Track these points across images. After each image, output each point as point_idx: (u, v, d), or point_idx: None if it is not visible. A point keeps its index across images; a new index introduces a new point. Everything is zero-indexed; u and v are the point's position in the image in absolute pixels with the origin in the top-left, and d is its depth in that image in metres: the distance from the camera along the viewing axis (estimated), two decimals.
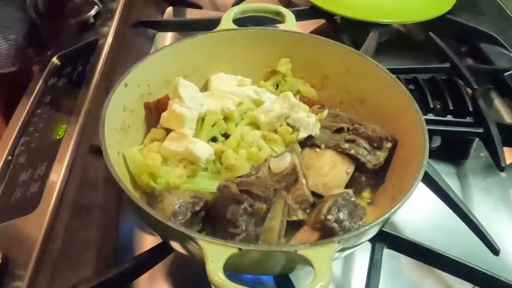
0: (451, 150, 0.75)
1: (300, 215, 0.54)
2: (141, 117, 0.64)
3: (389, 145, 0.60)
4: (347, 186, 0.59)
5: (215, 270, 0.40)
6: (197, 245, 0.42)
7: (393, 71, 0.64)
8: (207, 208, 0.52)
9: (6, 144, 0.66)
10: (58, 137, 0.63)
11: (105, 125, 0.53)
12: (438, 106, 0.74)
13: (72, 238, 0.56)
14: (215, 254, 0.41)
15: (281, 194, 0.52)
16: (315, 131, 0.62)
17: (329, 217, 0.51)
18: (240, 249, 0.42)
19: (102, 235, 0.61)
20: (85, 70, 0.74)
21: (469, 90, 0.77)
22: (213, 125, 0.61)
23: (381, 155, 0.60)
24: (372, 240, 0.58)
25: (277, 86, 0.72)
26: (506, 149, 0.70)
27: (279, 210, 0.51)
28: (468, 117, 0.73)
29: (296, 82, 0.72)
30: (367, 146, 0.60)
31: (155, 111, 0.64)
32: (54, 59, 0.80)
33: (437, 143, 0.74)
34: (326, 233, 0.51)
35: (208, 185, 0.57)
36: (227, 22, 0.71)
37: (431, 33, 0.90)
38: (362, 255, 0.60)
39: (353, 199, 0.54)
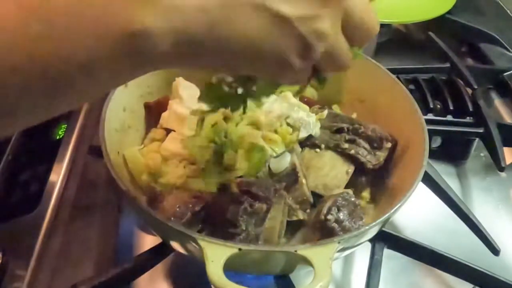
0: (451, 150, 0.75)
1: (300, 215, 0.54)
2: (141, 117, 0.64)
3: (389, 145, 0.60)
4: (347, 186, 0.59)
5: (215, 270, 0.40)
6: (197, 245, 0.42)
7: (393, 71, 0.64)
8: (207, 208, 0.52)
9: (6, 144, 0.66)
10: (58, 137, 0.63)
11: (105, 125, 0.53)
12: (438, 106, 0.74)
13: (72, 238, 0.56)
14: (215, 254, 0.41)
15: (281, 194, 0.52)
16: (315, 131, 0.62)
17: (329, 217, 0.51)
18: (240, 249, 0.42)
19: (102, 235, 0.61)
20: None
21: (469, 90, 0.77)
22: (213, 125, 0.61)
23: (381, 155, 0.60)
24: (372, 240, 0.58)
25: None
26: (506, 149, 0.70)
27: (279, 210, 0.51)
28: (468, 117, 0.73)
29: None
30: (367, 146, 0.60)
31: (155, 111, 0.64)
32: None
33: (437, 143, 0.74)
34: (326, 233, 0.51)
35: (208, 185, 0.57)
36: None
37: (431, 33, 0.90)
38: (362, 255, 0.60)
39: (353, 199, 0.54)
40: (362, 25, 0.40)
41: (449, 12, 0.97)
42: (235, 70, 0.39)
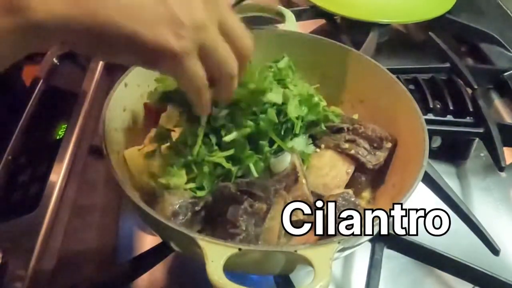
0: (451, 150, 0.75)
1: (300, 215, 0.54)
2: (141, 117, 0.64)
3: (389, 145, 0.60)
4: (347, 186, 0.59)
5: (215, 270, 0.40)
6: (197, 245, 0.42)
7: (393, 71, 0.64)
8: (207, 208, 0.52)
9: (6, 144, 0.66)
10: (58, 137, 0.63)
11: (105, 125, 0.53)
12: (438, 106, 0.74)
13: (72, 238, 0.56)
14: (215, 254, 0.41)
15: (281, 194, 0.52)
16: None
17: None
18: (240, 249, 0.42)
19: (102, 235, 0.61)
20: (85, 70, 0.74)
21: (469, 90, 0.77)
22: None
23: (381, 155, 0.60)
24: (372, 240, 0.58)
25: None
26: (506, 149, 0.70)
27: (279, 210, 0.51)
28: (468, 117, 0.73)
29: None
30: (367, 146, 0.60)
31: (155, 111, 0.64)
32: (54, 59, 0.80)
33: (437, 143, 0.74)
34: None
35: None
36: None
37: (431, 33, 0.90)
38: (362, 255, 0.60)
39: (353, 199, 0.54)
40: (237, 34, 0.43)
41: (449, 12, 0.97)
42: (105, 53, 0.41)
